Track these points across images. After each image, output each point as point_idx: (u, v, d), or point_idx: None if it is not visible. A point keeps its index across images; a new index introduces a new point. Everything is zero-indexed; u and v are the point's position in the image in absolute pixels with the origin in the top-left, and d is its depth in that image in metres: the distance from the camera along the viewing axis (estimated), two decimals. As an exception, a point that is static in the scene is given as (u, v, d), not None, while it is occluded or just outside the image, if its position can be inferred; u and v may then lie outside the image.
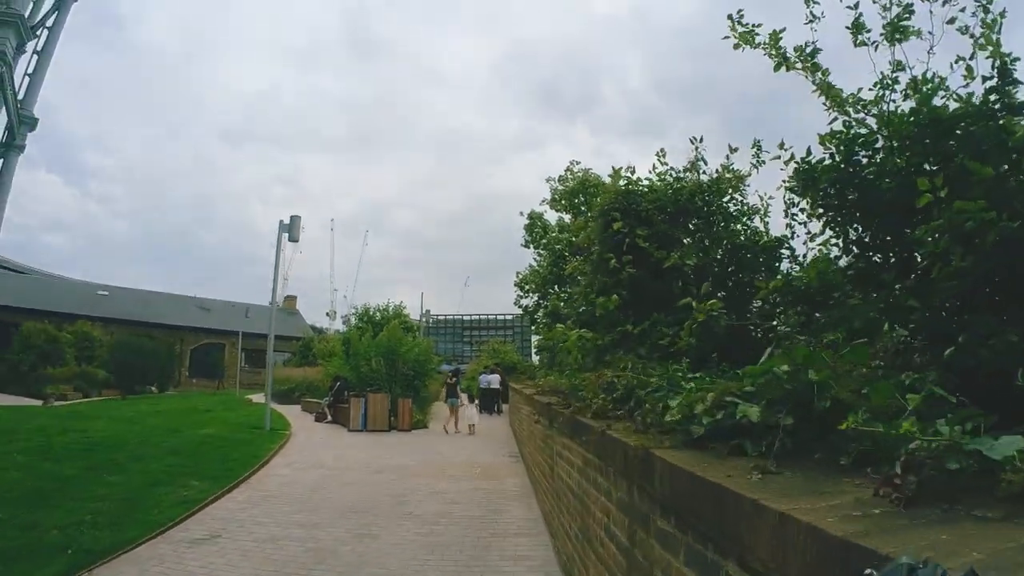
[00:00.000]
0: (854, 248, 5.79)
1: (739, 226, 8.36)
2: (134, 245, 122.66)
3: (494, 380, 27.68)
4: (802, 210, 7.38)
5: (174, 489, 9.75)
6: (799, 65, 7.22)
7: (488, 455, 14.54)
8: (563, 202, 32.77)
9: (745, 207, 8.92)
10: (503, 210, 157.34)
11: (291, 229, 19.17)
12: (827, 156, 6.34)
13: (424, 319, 39.80)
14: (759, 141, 8.77)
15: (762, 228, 8.39)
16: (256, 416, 19.78)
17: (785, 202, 7.57)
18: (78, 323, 36.97)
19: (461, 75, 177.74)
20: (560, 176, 33.53)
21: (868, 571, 0.93)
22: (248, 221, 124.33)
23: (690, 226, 8.67)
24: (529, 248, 34.24)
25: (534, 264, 33.54)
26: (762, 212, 8.59)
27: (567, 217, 32.59)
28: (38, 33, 33.81)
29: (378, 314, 31.47)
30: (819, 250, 6.84)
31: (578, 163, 33.83)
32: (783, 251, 7.80)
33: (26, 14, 30.68)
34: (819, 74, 7.25)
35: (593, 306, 8.87)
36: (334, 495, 9.93)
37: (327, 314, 70.59)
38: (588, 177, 32.53)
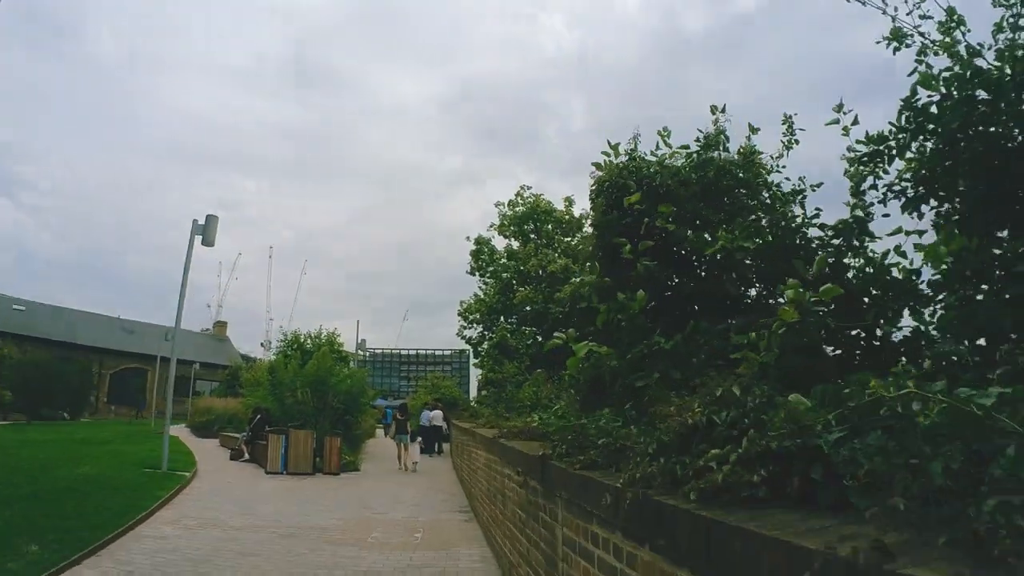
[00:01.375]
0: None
1: (793, 207, 6.21)
2: (63, 265, 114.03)
3: (436, 417, 25.02)
4: (874, 186, 5.77)
5: (-5, 559, 6.80)
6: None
7: (432, 510, 11.81)
8: (512, 228, 30.92)
9: (779, 192, 6.94)
10: (444, 245, 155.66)
11: (206, 231, 16.17)
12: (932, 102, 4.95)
13: (360, 350, 36.83)
14: (791, 116, 6.93)
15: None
16: (160, 451, 16.56)
17: (851, 177, 5.88)
18: (-14, 339, 33.11)
19: (406, 108, 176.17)
20: (510, 200, 31.75)
21: None
22: (184, 245, 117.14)
23: (722, 210, 6.46)
24: (475, 276, 32.23)
25: (479, 293, 31.44)
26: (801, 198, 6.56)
27: (515, 244, 30.66)
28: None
29: (309, 341, 28.56)
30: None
31: (528, 188, 32.09)
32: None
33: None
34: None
35: (590, 313, 6.49)
36: (222, 574, 7.10)
37: (261, 344, 66.14)
38: (539, 202, 30.81)
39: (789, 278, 5.95)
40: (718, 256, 5.41)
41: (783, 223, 5.94)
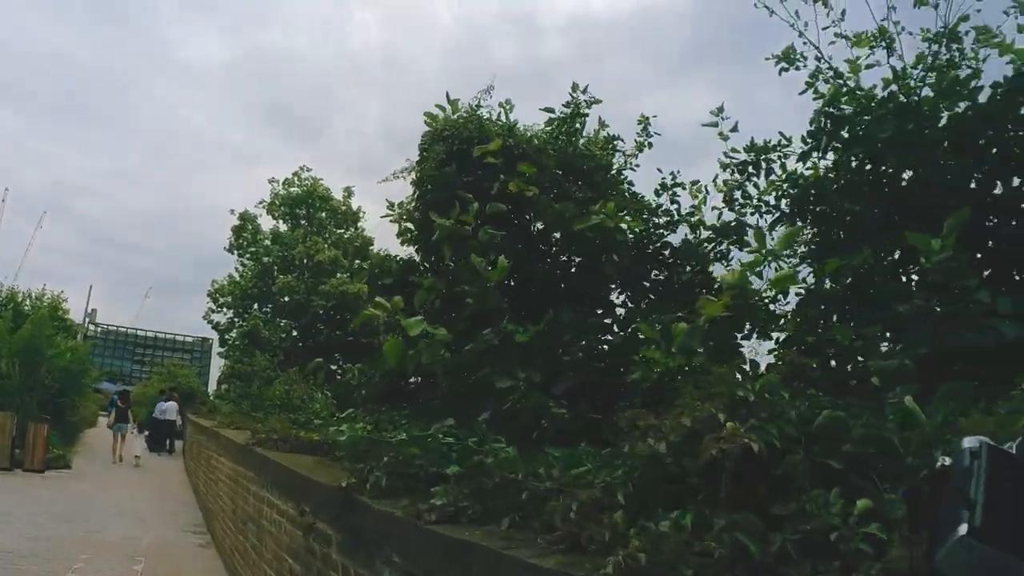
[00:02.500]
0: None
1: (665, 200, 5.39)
2: None
3: (170, 409, 21.65)
4: (746, 196, 5.50)
5: None
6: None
7: (160, 525, 9.52)
8: (283, 208, 28.27)
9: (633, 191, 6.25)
10: (204, 223, 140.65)
11: None
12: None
13: (90, 322, 30.94)
14: (648, 118, 6.47)
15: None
16: None
17: (724, 185, 5.55)
18: None
19: (198, 69, 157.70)
20: (285, 179, 28.96)
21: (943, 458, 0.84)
22: None
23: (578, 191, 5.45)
24: (233, 254, 28.77)
25: (235, 274, 28.08)
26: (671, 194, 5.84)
27: (284, 227, 28.03)
28: None
29: (27, 303, 23.44)
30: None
31: (308, 170, 29.48)
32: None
33: None
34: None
35: (401, 290, 5.08)
36: None
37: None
38: (316, 187, 28.45)
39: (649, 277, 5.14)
40: (589, 234, 4.35)
41: (647, 214, 5.11)
